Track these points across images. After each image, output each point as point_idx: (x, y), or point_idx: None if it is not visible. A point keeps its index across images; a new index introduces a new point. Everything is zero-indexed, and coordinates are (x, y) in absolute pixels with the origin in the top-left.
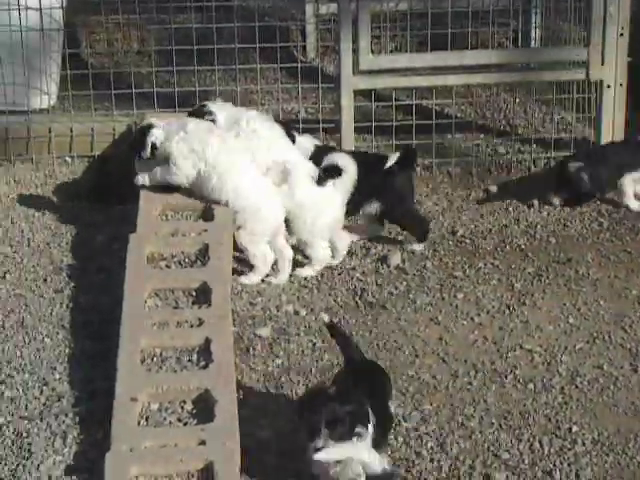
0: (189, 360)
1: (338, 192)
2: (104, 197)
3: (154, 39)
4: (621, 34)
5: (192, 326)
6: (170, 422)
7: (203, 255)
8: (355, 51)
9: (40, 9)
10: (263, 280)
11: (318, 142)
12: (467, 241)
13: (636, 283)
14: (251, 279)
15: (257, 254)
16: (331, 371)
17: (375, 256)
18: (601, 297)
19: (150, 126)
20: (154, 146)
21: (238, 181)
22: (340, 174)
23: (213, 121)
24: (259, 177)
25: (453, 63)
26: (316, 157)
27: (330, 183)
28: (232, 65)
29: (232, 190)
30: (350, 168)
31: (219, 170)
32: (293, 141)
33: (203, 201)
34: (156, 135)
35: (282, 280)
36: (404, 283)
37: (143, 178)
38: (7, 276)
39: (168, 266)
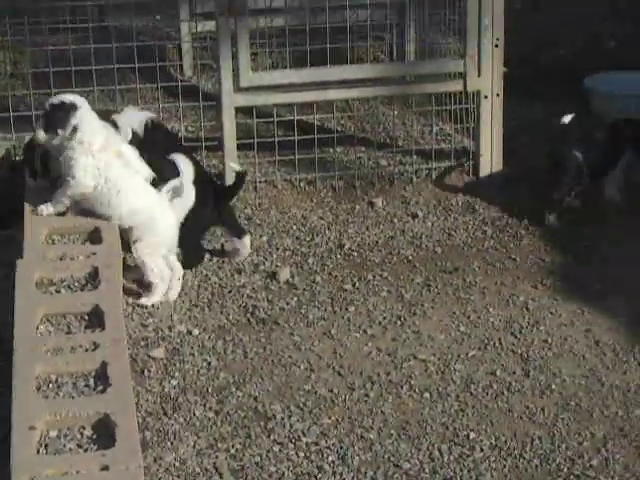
0: (86, 385)
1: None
2: None
3: (28, 61)
4: (496, 45)
5: (87, 350)
6: (70, 449)
7: (93, 278)
8: (235, 68)
9: None
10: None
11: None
12: (355, 254)
13: (523, 289)
14: (151, 299)
15: (154, 269)
16: (228, 389)
17: (264, 272)
18: (490, 304)
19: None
20: (75, 128)
21: (132, 196)
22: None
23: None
24: (150, 190)
25: (332, 78)
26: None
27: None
28: (111, 86)
29: (126, 205)
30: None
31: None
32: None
33: (89, 224)
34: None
35: (173, 297)
36: (295, 298)
37: (47, 208)
38: None
39: (58, 291)
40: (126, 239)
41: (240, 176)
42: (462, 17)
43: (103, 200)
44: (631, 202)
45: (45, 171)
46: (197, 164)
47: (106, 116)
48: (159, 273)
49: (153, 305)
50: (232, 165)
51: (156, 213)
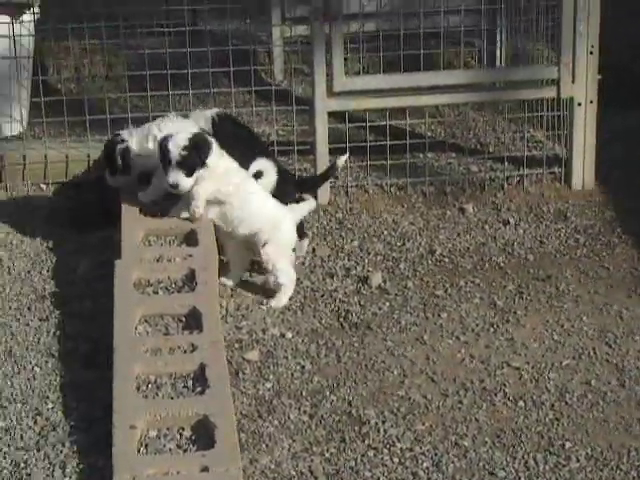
0: (185, 386)
1: None
2: (80, 224)
3: (122, 64)
4: (591, 52)
5: (185, 352)
6: (170, 449)
7: (190, 280)
8: (328, 73)
9: (13, 37)
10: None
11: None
12: (446, 260)
13: (616, 298)
14: (281, 300)
15: (284, 269)
16: (322, 393)
17: (356, 277)
18: (583, 313)
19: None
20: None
21: (254, 201)
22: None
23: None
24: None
25: (424, 84)
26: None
27: None
28: (205, 89)
29: (249, 210)
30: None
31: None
32: None
33: (186, 226)
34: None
35: (282, 304)
36: (387, 303)
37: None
38: None
39: (155, 292)
40: (250, 246)
41: (330, 170)
42: (557, 24)
43: (231, 213)
44: None
45: (126, 169)
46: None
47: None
48: (288, 274)
49: (247, 308)
50: (339, 160)
51: (283, 217)
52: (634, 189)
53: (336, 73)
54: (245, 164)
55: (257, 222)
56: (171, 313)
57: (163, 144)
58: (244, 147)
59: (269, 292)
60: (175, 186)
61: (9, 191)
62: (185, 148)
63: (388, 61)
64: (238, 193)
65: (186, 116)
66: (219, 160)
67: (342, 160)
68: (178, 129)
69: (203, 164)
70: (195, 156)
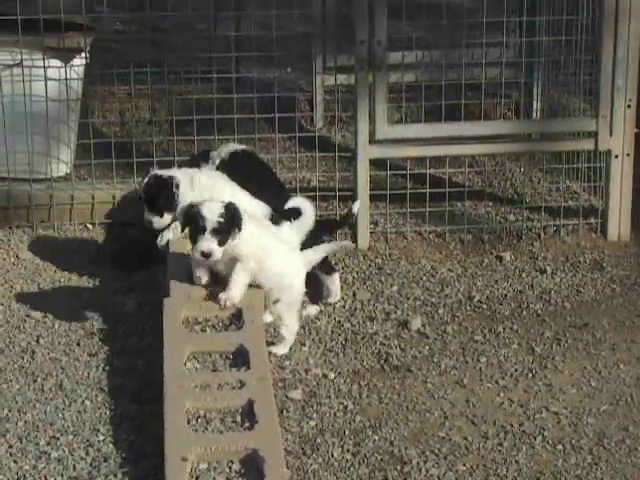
0: (233, 421)
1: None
2: (126, 263)
3: (165, 109)
4: (629, 105)
5: (233, 388)
6: None
7: (237, 319)
8: (370, 121)
9: (66, 79)
10: None
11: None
12: (484, 306)
13: None
14: (280, 350)
15: (290, 325)
16: (364, 432)
17: (395, 320)
18: (620, 361)
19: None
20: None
21: (273, 257)
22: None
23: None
24: (284, 248)
25: (465, 134)
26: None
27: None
28: (251, 135)
29: (272, 269)
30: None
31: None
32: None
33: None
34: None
35: (281, 353)
36: (427, 347)
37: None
38: (41, 340)
39: (204, 330)
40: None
41: (346, 217)
42: (595, 77)
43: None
44: None
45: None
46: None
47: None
48: (292, 329)
49: (290, 348)
50: (354, 207)
51: (295, 275)
52: None
53: (378, 121)
54: (273, 201)
55: (270, 281)
56: (219, 350)
57: (194, 211)
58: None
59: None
60: (208, 255)
61: (56, 230)
62: (221, 215)
63: (427, 111)
64: (256, 252)
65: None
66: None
67: (356, 207)
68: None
69: (238, 231)
70: (230, 224)
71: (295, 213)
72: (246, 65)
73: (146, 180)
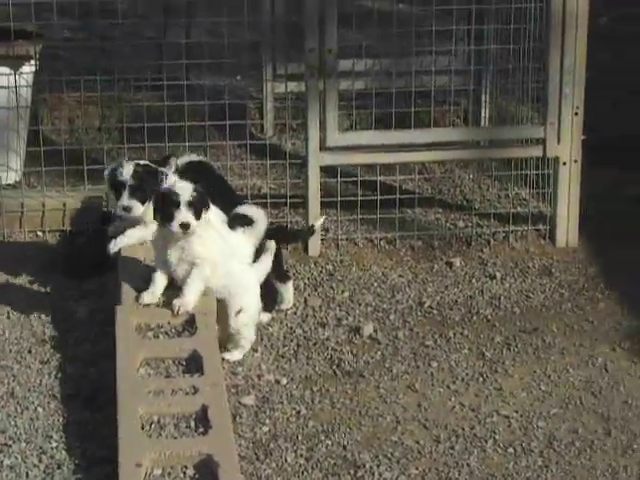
0: (187, 427)
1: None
2: (77, 270)
3: (115, 116)
4: (576, 113)
5: (187, 394)
6: None
7: (190, 325)
8: (322, 128)
9: (15, 87)
10: None
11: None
12: (435, 312)
13: (601, 351)
14: (235, 356)
15: (248, 336)
16: (317, 437)
17: (347, 326)
18: (569, 365)
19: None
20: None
21: (234, 263)
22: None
23: None
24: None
25: (414, 141)
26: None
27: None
28: (202, 142)
29: (227, 275)
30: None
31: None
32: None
33: None
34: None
35: (235, 359)
36: (378, 352)
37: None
38: None
39: (156, 336)
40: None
41: (307, 232)
42: (543, 85)
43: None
44: None
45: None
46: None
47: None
48: (250, 338)
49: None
50: (317, 222)
51: (255, 282)
52: (616, 246)
53: (329, 128)
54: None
55: (234, 287)
56: (172, 356)
57: (168, 190)
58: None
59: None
60: (186, 225)
61: (6, 238)
62: (194, 191)
63: (377, 118)
64: (215, 257)
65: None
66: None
67: (319, 223)
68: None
69: (207, 210)
70: (202, 201)
71: (247, 221)
72: (196, 73)
73: (132, 167)
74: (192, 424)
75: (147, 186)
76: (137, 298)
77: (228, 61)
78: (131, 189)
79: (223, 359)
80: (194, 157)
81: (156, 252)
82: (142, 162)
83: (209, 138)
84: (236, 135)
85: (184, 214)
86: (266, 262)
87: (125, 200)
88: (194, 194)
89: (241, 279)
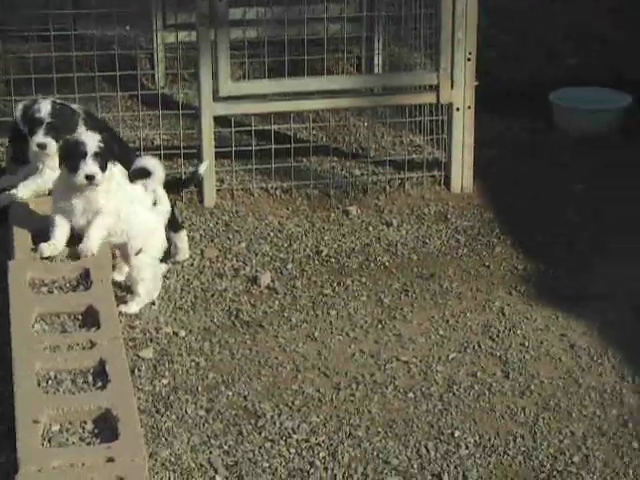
0: (85, 382)
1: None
2: None
3: (0, 69)
4: (469, 59)
5: (84, 348)
6: (73, 442)
7: (85, 279)
8: (214, 78)
9: None
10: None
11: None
12: (332, 260)
13: (498, 295)
14: (132, 308)
15: (146, 281)
16: (217, 389)
17: (245, 277)
18: (467, 309)
19: None
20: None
21: (137, 206)
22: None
23: None
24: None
25: (311, 89)
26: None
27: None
28: (92, 93)
29: (127, 218)
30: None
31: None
32: None
33: None
34: None
35: (132, 311)
36: (277, 302)
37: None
38: None
39: (51, 291)
40: (122, 253)
41: (192, 178)
42: (435, 31)
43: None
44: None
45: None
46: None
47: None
48: (148, 287)
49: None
50: (200, 168)
51: (158, 224)
52: (510, 192)
53: (222, 78)
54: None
55: (135, 230)
56: (68, 311)
57: (74, 139)
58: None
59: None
60: (92, 177)
61: None
62: (100, 142)
63: (270, 67)
64: (121, 205)
65: None
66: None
67: (202, 168)
68: None
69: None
70: (108, 151)
71: (146, 173)
72: (84, 23)
73: (49, 104)
74: (90, 379)
75: (63, 125)
76: (35, 250)
77: (117, 11)
78: (48, 126)
79: (120, 312)
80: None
81: (57, 202)
82: (58, 100)
83: (99, 89)
84: (127, 86)
85: (90, 165)
86: (165, 204)
87: (40, 137)
88: (101, 145)
89: (142, 221)
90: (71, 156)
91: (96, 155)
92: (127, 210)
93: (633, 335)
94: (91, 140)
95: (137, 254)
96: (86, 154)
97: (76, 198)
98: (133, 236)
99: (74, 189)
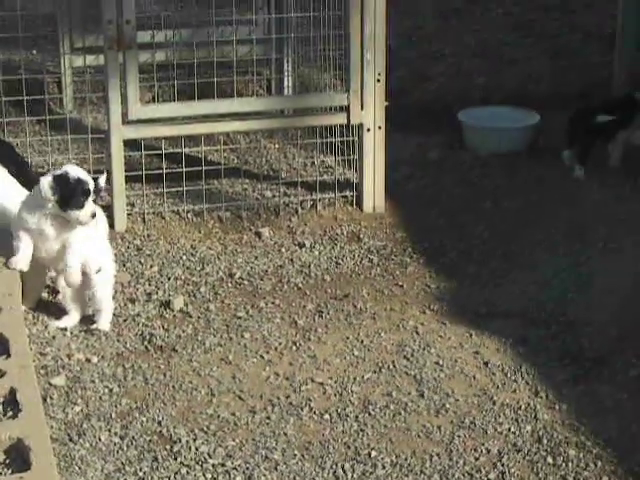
0: None
1: None
2: None
3: None
4: (378, 79)
5: None
6: None
7: None
8: (123, 101)
9: None
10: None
11: None
12: (246, 282)
13: (412, 314)
14: (104, 325)
15: (109, 294)
16: (131, 415)
17: (157, 301)
18: (381, 329)
19: None
20: None
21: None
22: None
23: None
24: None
25: (219, 111)
26: None
27: None
28: None
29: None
30: None
31: None
32: None
33: None
34: None
35: (107, 328)
36: (190, 326)
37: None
38: None
39: None
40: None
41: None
42: (345, 53)
43: None
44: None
45: None
46: None
47: None
48: (110, 301)
49: (49, 334)
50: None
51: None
52: (422, 210)
53: (130, 101)
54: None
55: (97, 249)
56: None
57: (72, 176)
58: None
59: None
60: (95, 214)
61: None
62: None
63: (179, 90)
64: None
65: None
66: None
67: (102, 180)
68: None
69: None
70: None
71: None
72: None
73: None
74: (0, 408)
75: None
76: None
77: (23, 35)
78: None
79: (92, 331)
80: None
81: (26, 223)
82: None
83: (6, 115)
84: (34, 111)
85: (92, 204)
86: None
87: None
88: (92, 182)
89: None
90: (74, 194)
91: (94, 192)
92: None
93: (545, 350)
94: (86, 176)
95: (97, 272)
96: (89, 192)
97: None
98: (93, 256)
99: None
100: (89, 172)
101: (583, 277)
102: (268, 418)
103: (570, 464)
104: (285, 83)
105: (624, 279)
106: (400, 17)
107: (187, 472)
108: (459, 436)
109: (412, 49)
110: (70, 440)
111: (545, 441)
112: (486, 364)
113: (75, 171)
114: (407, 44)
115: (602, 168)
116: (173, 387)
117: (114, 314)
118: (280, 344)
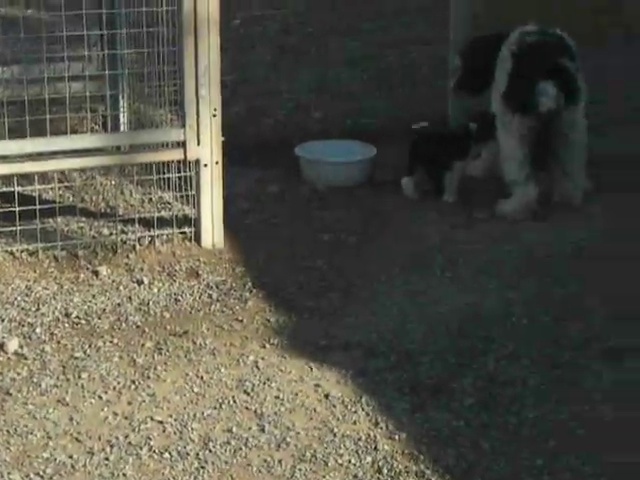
0: None
1: None
2: None
3: None
4: (214, 115)
5: None
6: None
7: None
8: None
9: None
10: None
11: None
12: (83, 322)
13: (252, 349)
14: None
15: None
16: None
17: None
18: (221, 365)
19: None
20: None
21: None
22: None
23: None
24: None
25: (53, 148)
26: None
27: None
28: None
29: None
30: None
31: None
32: None
33: None
34: None
35: None
36: (25, 368)
37: None
38: None
39: None
40: None
41: None
42: (180, 89)
43: None
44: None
45: None
46: None
47: None
48: None
49: None
50: None
51: None
52: (261, 244)
53: None
54: None
55: None
56: None
57: None
58: None
59: None
60: None
61: None
62: None
63: (11, 128)
64: None
65: None
66: None
67: None
68: None
69: None
70: None
71: None
72: None
73: None
74: None
75: None
76: None
77: None
78: None
79: None
80: None
81: None
82: None
83: None
84: None
85: None
86: None
87: None
88: None
89: None
90: None
91: None
92: None
93: (384, 381)
94: None
95: None
96: None
97: None
98: None
99: None
100: None
101: (421, 307)
102: (107, 459)
103: None
104: (121, 119)
105: (461, 307)
106: (235, 53)
107: None
108: (300, 469)
109: (249, 85)
110: None
111: (385, 471)
112: (327, 396)
113: None
114: (243, 80)
115: (440, 198)
116: (7, 431)
117: None
118: (119, 383)
